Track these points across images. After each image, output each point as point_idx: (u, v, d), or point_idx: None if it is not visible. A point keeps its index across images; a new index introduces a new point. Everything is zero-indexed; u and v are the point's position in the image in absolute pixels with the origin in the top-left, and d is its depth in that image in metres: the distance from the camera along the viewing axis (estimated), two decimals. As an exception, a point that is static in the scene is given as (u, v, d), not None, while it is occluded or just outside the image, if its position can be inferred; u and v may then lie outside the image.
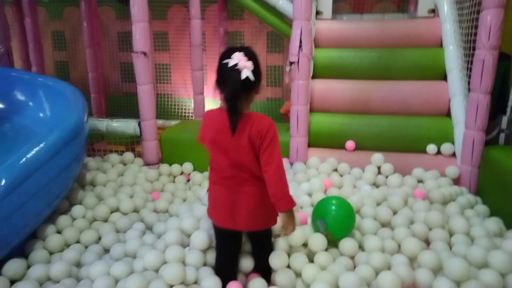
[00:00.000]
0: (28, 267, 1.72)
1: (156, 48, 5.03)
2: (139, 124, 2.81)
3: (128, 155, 2.84)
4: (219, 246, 1.66)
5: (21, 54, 4.46)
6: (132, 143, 3.05)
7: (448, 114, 2.81)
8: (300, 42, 2.48)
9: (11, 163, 1.66)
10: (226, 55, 1.42)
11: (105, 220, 2.12)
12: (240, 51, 1.40)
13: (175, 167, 2.84)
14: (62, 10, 5.26)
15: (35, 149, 1.77)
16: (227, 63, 1.38)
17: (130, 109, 5.34)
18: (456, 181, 2.51)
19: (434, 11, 3.26)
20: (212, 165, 1.57)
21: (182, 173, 2.88)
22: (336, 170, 2.61)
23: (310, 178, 2.42)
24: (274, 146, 1.43)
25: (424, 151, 2.71)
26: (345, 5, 4.47)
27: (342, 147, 2.83)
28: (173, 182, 2.79)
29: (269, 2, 3.58)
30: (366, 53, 3.08)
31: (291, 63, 2.55)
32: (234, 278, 1.62)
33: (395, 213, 2.00)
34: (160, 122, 4.39)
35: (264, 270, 1.68)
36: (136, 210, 2.23)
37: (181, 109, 5.25)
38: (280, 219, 1.48)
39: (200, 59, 3.77)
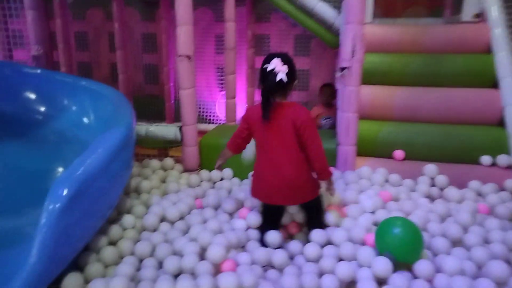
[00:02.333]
0: (85, 281, 1.64)
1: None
2: (180, 129, 2.72)
3: (168, 161, 2.75)
4: (265, 216, 1.98)
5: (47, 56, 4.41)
6: (165, 147, 2.97)
7: (500, 123, 2.69)
8: (353, 47, 2.38)
9: (71, 172, 1.57)
10: (267, 60, 1.79)
11: (154, 230, 2.02)
12: (278, 57, 1.77)
13: (215, 173, 2.74)
14: (85, 11, 5.21)
15: (92, 157, 1.67)
16: (266, 67, 1.77)
17: (153, 111, 5.28)
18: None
19: (479, 16, 3.15)
20: (258, 149, 1.90)
21: (221, 179, 2.78)
22: (387, 181, 2.49)
23: (363, 189, 2.32)
24: (312, 128, 1.80)
25: (476, 162, 2.59)
26: (375, 9, 4.37)
27: (389, 156, 2.72)
28: (213, 188, 2.69)
29: (305, 6, 3.50)
30: (411, 59, 2.98)
31: (342, 69, 2.45)
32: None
33: (465, 230, 1.88)
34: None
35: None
36: (181, 217, 2.13)
37: (205, 112, 5.17)
38: (324, 184, 1.91)
39: (233, 62, 3.68)
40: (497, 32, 2.88)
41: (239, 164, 2.77)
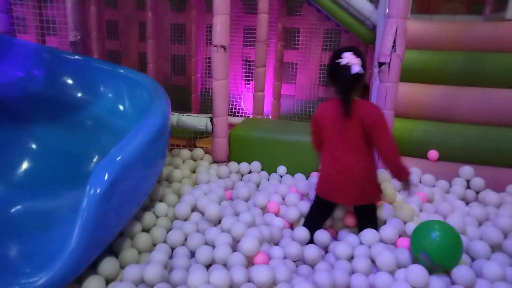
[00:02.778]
0: (119, 266, 1.66)
1: (207, 42, 4.97)
2: (211, 120, 2.72)
3: (198, 151, 2.76)
4: (314, 210, 1.96)
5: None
6: (195, 138, 2.98)
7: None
8: (394, 41, 2.32)
9: (111, 158, 1.58)
10: (337, 55, 1.74)
11: (186, 219, 2.03)
12: (349, 51, 1.73)
13: (244, 166, 2.74)
14: (116, -1, 5.25)
15: (131, 144, 1.68)
16: (339, 62, 1.71)
17: (179, 102, 5.30)
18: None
19: (525, 14, 3.01)
20: (326, 147, 1.85)
21: (250, 172, 2.77)
22: (420, 181, 2.44)
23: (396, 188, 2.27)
24: (384, 125, 1.73)
25: (515, 166, 2.51)
26: (412, 5, 4.25)
27: (423, 156, 2.65)
28: (241, 180, 2.68)
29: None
30: (451, 57, 2.88)
31: (380, 64, 2.39)
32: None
33: (505, 235, 1.81)
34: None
35: None
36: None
37: (231, 105, 5.16)
38: (401, 185, 1.82)
39: (264, 55, 3.65)
40: (545, 31, 2.76)
41: (267, 157, 2.76)
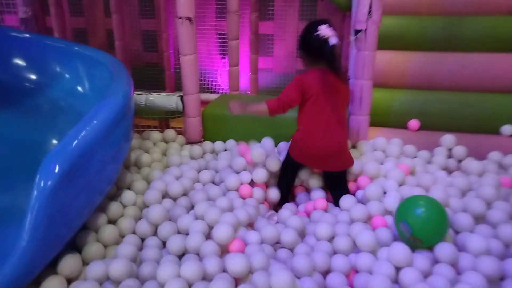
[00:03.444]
0: (83, 262, 1.53)
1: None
2: (182, 99, 2.56)
3: (170, 133, 2.60)
4: (286, 172, 2.04)
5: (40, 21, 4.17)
6: (166, 118, 2.81)
7: (525, 91, 2.52)
8: (370, 7, 2.18)
9: (64, 146, 1.42)
10: (313, 28, 1.80)
11: (156, 207, 1.90)
12: (324, 23, 1.80)
13: (219, 145, 2.60)
14: (79, -27, 4.90)
15: (87, 129, 1.52)
16: (318, 35, 1.77)
17: (153, 80, 5.08)
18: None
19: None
20: (313, 116, 1.86)
21: (225, 150, 2.64)
22: (402, 152, 2.35)
23: (378, 160, 2.19)
24: None
25: (497, 132, 2.45)
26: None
27: (404, 126, 2.57)
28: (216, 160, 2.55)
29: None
30: (430, 21, 2.77)
31: (356, 32, 2.25)
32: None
33: (489, 206, 1.75)
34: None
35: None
36: (185, 194, 2.00)
37: (207, 81, 4.97)
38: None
39: (236, 27, 3.45)
40: (524, -9, 2.65)
41: (244, 135, 2.63)
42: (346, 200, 1.85)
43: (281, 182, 2.08)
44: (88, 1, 4.92)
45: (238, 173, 2.07)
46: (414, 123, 2.53)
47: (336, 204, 1.92)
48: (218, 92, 4.95)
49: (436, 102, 2.55)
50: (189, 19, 2.36)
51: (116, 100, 1.75)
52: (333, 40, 1.73)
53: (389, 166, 2.09)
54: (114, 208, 1.77)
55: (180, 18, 2.36)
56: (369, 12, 2.19)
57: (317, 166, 1.99)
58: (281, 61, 4.68)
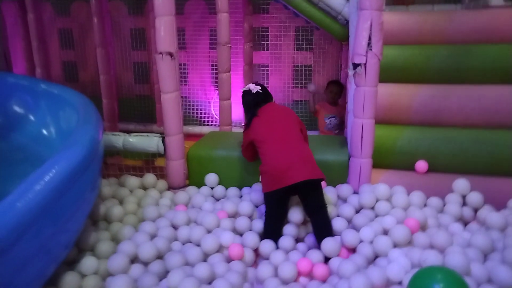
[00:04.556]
0: None
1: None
2: (163, 140, 2.31)
3: (149, 178, 2.34)
4: (270, 212, 1.93)
5: (25, 53, 4.00)
6: (151, 157, 2.56)
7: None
8: (369, 38, 1.96)
9: (13, 200, 1.19)
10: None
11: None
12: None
13: (205, 191, 2.33)
14: (69, 5, 4.79)
15: (43, 181, 1.29)
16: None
17: (143, 113, 4.90)
18: None
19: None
20: (266, 147, 1.95)
21: (212, 196, 2.36)
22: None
23: (380, 213, 1.91)
24: None
25: (515, 174, 2.18)
26: (385, -4, 3.93)
27: (410, 168, 2.30)
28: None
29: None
30: (434, 51, 2.55)
31: (355, 65, 2.02)
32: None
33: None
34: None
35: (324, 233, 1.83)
36: (160, 256, 1.70)
37: (199, 113, 4.77)
38: None
39: (227, 59, 3.25)
40: (534, 18, 2.45)
41: (233, 178, 2.37)
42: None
43: (270, 229, 1.93)
44: (78, 35, 4.81)
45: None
46: (421, 165, 2.26)
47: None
48: (211, 125, 4.74)
49: (445, 141, 2.28)
50: (170, 54, 2.14)
51: (76, 151, 1.51)
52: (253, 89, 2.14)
53: (392, 221, 1.80)
54: (69, 280, 1.48)
55: (160, 53, 2.14)
56: (369, 43, 1.97)
57: (290, 180, 1.81)
58: (277, 92, 4.48)
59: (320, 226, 1.85)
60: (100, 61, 3.46)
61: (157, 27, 2.11)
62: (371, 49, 1.97)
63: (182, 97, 4.62)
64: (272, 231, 1.91)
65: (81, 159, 1.49)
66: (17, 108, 2.03)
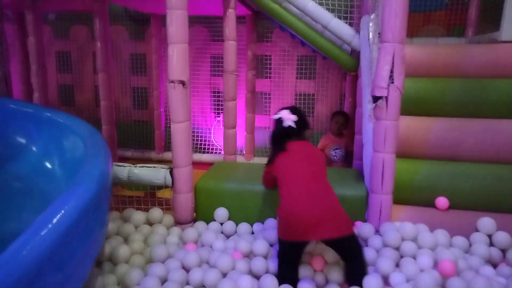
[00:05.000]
0: None
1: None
2: (171, 172, 2.19)
3: (156, 212, 2.20)
4: (286, 257, 1.73)
5: (21, 77, 3.89)
6: (157, 189, 2.43)
7: None
8: (391, 72, 1.90)
9: (20, 246, 1.05)
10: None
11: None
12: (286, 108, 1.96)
13: (215, 226, 2.19)
14: (68, 28, 4.74)
15: (52, 222, 1.15)
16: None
17: (142, 139, 4.79)
18: None
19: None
20: (288, 187, 1.75)
21: (221, 232, 2.23)
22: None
23: (405, 254, 1.79)
24: None
25: (540, 211, 2.10)
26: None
27: (431, 204, 2.20)
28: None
29: (319, 22, 3.05)
30: (447, 84, 2.51)
31: (376, 98, 1.95)
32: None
33: None
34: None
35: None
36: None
37: (199, 140, 4.68)
38: None
39: (233, 87, 3.18)
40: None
41: (244, 213, 2.24)
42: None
43: (286, 275, 1.73)
44: (77, 58, 4.73)
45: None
46: (442, 202, 2.16)
47: (352, 277, 1.69)
48: (211, 152, 4.63)
49: (466, 176, 2.20)
50: (182, 82, 2.05)
51: (87, 188, 1.37)
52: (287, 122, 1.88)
53: (425, 262, 1.68)
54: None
55: (172, 81, 2.05)
56: (391, 77, 1.91)
57: (314, 236, 1.65)
58: (279, 120, 4.43)
59: (356, 272, 1.69)
60: (102, 86, 3.36)
61: (169, 54, 2.03)
62: (392, 82, 1.91)
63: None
64: (289, 277, 1.72)
65: (92, 197, 1.36)
66: (18, 138, 1.89)
